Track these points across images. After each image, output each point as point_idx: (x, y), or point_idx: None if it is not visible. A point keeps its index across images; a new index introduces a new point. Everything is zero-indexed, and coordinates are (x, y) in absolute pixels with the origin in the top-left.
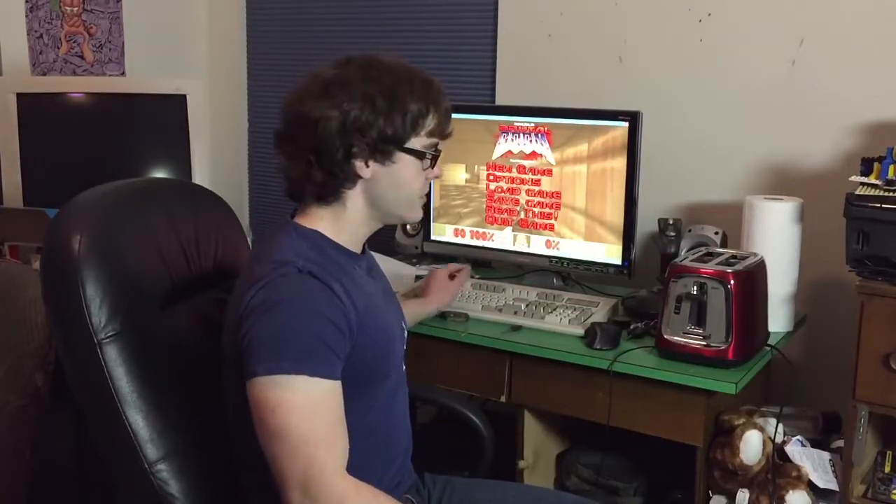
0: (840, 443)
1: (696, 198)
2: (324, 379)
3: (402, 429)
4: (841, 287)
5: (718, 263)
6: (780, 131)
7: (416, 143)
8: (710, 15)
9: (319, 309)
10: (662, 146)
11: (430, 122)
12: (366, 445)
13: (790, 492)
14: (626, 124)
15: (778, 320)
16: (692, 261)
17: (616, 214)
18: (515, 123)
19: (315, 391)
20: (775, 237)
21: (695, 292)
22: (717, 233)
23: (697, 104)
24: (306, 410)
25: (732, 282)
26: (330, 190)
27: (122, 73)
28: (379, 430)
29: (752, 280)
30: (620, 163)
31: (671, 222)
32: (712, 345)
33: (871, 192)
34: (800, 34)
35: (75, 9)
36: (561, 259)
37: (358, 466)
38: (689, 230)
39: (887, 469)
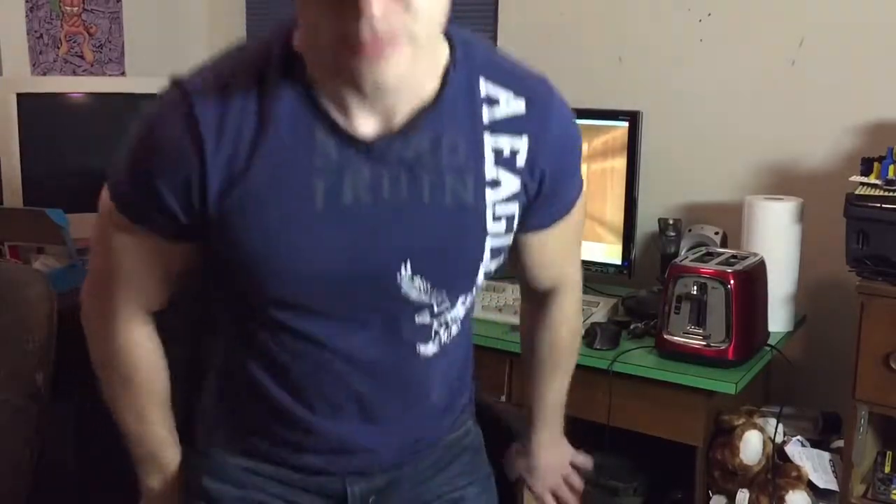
0: (840, 443)
1: (696, 198)
2: (126, 218)
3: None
4: (841, 287)
5: (718, 263)
6: (780, 131)
7: None
8: (710, 15)
9: (154, 135)
10: (662, 146)
11: None
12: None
13: (790, 492)
14: (626, 124)
15: (778, 320)
16: (692, 261)
17: (616, 214)
18: None
19: (113, 223)
20: (775, 237)
21: (695, 292)
22: (717, 233)
23: (697, 104)
24: (97, 235)
25: (732, 282)
26: None
27: (122, 73)
28: (260, 386)
29: (752, 280)
30: (620, 163)
31: (671, 222)
32: (712, 345)
33: (871, 192)
34: (800, 34)
35: (75, 9)
36: None
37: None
38: (689, 230)
39: (887, 469)
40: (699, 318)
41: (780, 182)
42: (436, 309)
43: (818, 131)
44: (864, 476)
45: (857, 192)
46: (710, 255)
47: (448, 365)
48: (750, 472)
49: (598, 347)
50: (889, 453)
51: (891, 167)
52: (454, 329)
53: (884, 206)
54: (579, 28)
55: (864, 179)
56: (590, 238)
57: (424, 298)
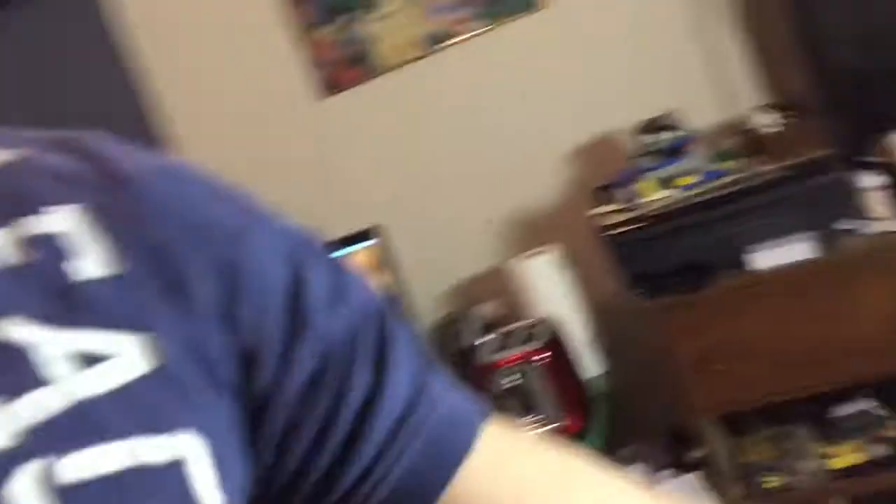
0: (696, 454)
1: (460, 281)
2: None
3: None
4: (626, 312)
5: (519, 344)
6: (525, 185)
7: None
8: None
9: None
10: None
11: None
12: None
13: None
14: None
15: (589, 366)
16: (493, 353)
17: None
18: None
19: None
20: (549, 289)
21: (516, 383)
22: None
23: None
24: None
25: (541, 357)
26: None
27: None
28: None
29: (558, 346)
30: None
31: (453, 318)
32: (554, 426)
33: (616, 218)
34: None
35: None
36: None
37: None
38: (466, 317)
39: (747, 459)
40: (528, 407)
41: (534, 235)
42: None
43: (544, 174)
44: (736, 478)
45: (604, 223)
46: (507, 335)
47: None
48: None
49: None
50: (740, 444)
51: (623, 190)
52: None
53: (630, 227)
54: None
55: (607, 208)
56: None
57: None
